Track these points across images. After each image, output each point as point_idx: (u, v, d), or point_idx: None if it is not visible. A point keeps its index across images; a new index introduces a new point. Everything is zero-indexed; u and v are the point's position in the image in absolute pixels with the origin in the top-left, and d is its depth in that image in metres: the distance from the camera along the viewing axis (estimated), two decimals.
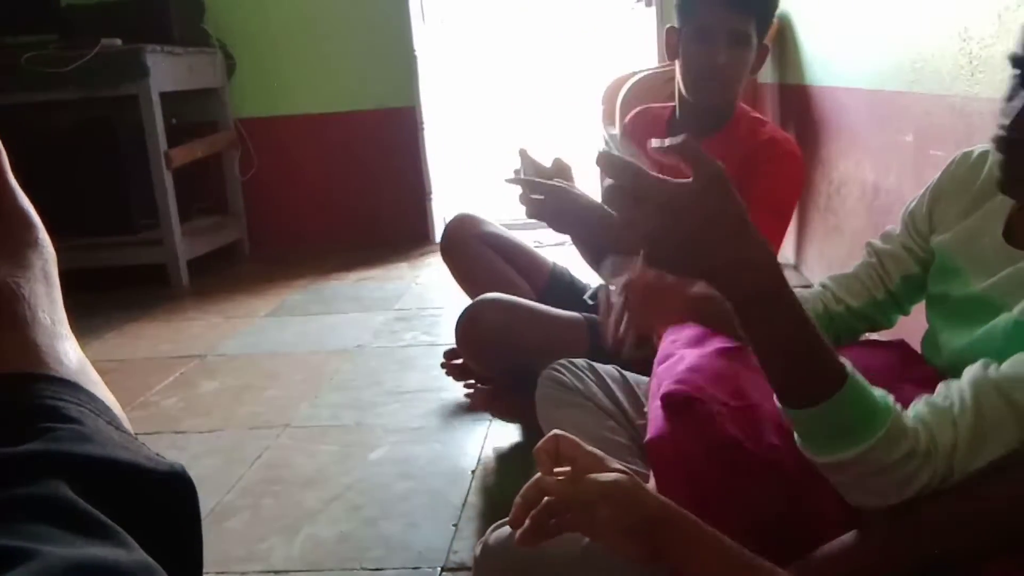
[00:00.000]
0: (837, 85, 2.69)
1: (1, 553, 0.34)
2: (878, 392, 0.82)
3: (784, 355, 0.81)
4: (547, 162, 1.73)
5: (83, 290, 3.34)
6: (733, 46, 1.62)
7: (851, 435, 0.80)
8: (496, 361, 1.89)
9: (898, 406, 0.83)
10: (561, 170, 1.69)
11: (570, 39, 5.28)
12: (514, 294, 2.01)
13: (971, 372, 0.86)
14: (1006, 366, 0.85)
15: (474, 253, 2.10)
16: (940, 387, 0.87)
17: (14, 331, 0.46)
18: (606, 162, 0.74)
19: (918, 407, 0.85)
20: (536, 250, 2.15)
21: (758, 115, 1.80)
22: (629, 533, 0.76)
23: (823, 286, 1.18)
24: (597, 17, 5.39)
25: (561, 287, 2.06)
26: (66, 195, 3.53)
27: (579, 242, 1.83)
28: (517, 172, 1.68)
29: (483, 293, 2.11)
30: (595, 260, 1.81)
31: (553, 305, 2.00)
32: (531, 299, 2.01)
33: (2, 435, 0.40)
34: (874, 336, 1.22)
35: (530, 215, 1.62)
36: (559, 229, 1.70)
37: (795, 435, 0.85)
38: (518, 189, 1.67)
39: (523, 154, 1.69)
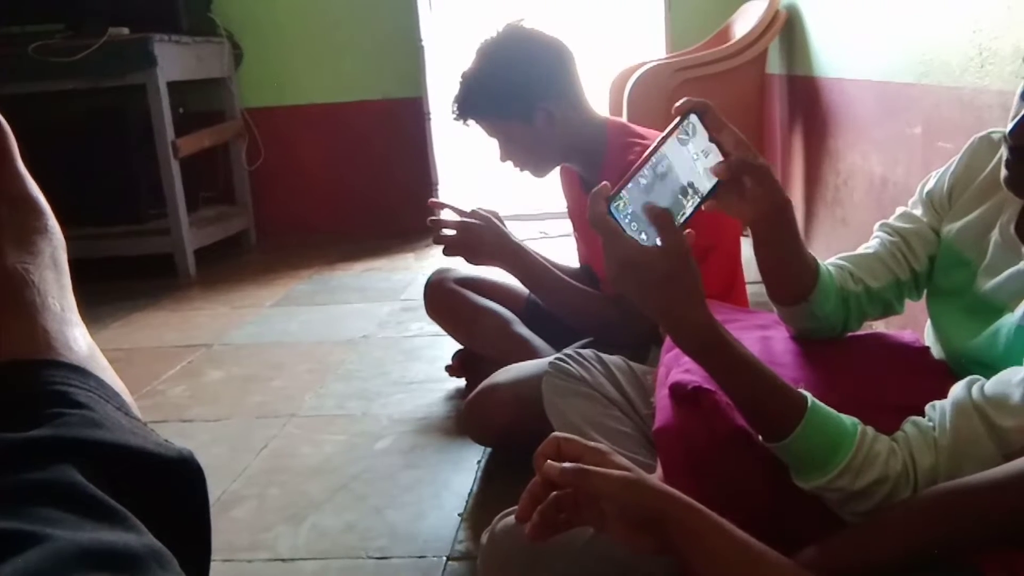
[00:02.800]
0: (845, 77, 2.68)
1: (12, 537, 0.34)
2: (848, 421, 0.88)
3: (737, 398, 0.91)
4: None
5: (90, 279, 3.33)
6: (499, 143, 1.83)
7: (815, 465, 0.87)
8: (507, 446, 1.86)
9: (869, 433, 0.88)
10: (481, 217, 1.84)
11: (577, 29, 5.28)
12: (498, 321, 2.05)
13: (955, 393, 0.89)
14: (990, 386, 0.86)
15: (454, 299, 2.15)
16: (927, 408, 0.91)
17: (23, 317, 0.46)
18: (600, 226, 0.87)
19: (905, 427, 0.90)
20: (511, 284, 2.16)
21: (632, 136, 1.79)
22: (636, 527, 0.76)
23: (838, 266, 1.13)
24: (605, 7, 5.38)
25: (538, 314, 2.08)
26: (73, 184, 3.54)
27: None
28: (434, 222, 1.81)
29: (471, 332, 2.15)
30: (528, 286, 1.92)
31: (532, 329, 2.03)
32: (515, 327, 2.04)
33: (12, 420, 0.41)
34: (876, 324, 1.21)
35: (446, 252, 1.79)
36: (475, 262, 1.84)
37: None
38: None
39: (439, 207, 1.88)
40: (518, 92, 1.73)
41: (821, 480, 0.87)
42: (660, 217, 0.86)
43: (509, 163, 1.85)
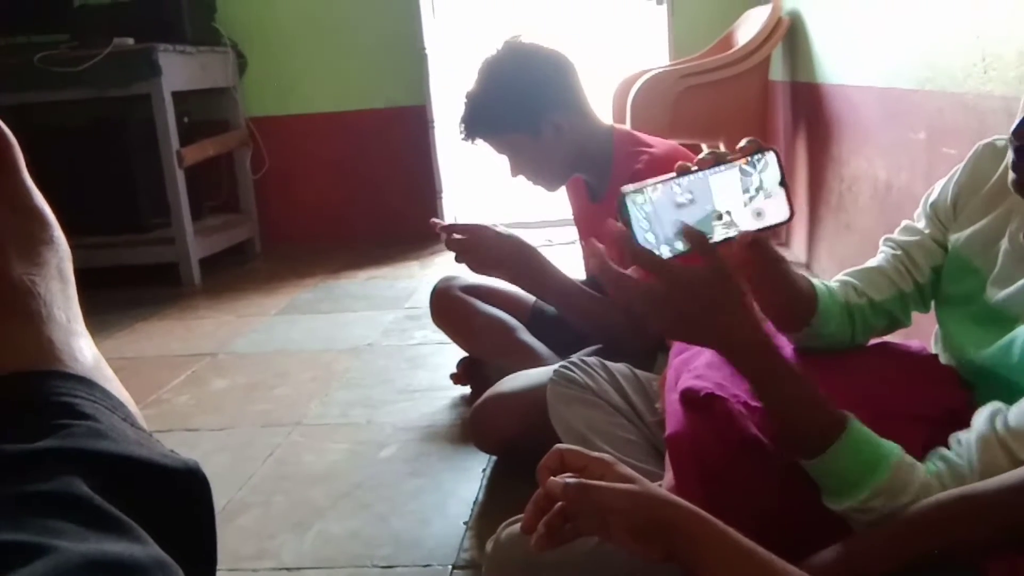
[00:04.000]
0: (849, 83, 2.68)
1: (18, 548, 0.34)
2: (887, 444, 0.87)
3: (780, 410, 0.90)
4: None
5: (95, 289, 3.35)
6: (509, 160, 1.85)
7: (851, 483, 0.86)
8: (512, 454, 1.84)
9: (907, 459, 0.87)
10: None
11: (581, 37, 5.29)
12: (503, 329, 2.05)
13: (979, 425, 0.88)
14: (1013, 417, 0.86)
15: (460, 306, 2.16)
16: (952, 440, 0.90)
17: (29, 328, 0.47)
18: (630, 251, 0.86)
19: (936, 462, 0.89)
20: (516, 292, 2.16)
21: (638, 144, 1.81)
22: (642, 536, 0.76)
23: (842, 281, 1.13)
24: (608, 14, 5.38)
25: (544, 322, 2.08)
26: (78, 194, 3.55)
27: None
28: (445, 228, 1.80)
29: (476, 340, 2.16)
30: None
31: (537, 338, 2.04)
32: (519, 334, 2.04)
33: (18, 431, 0.41)
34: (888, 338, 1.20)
35: (458, 259, 1.78)
36: (482, 271, 1.83)
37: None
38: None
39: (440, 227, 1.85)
40: (523, 107, 1.75)
41: (855, 500, 0.86)
42: (697, 239, 0.85)
43: (520, 178, 1.87)
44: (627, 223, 0.86)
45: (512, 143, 1.81)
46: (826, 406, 0.88)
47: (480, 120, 1.80)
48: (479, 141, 1.83)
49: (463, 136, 1.83)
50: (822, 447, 0.86)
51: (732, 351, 0.89)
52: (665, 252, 0.87)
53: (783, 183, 0.90)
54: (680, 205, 0.88)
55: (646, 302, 0.87)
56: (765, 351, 0.88)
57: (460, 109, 1.83)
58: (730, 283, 0.86)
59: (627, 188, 0.87)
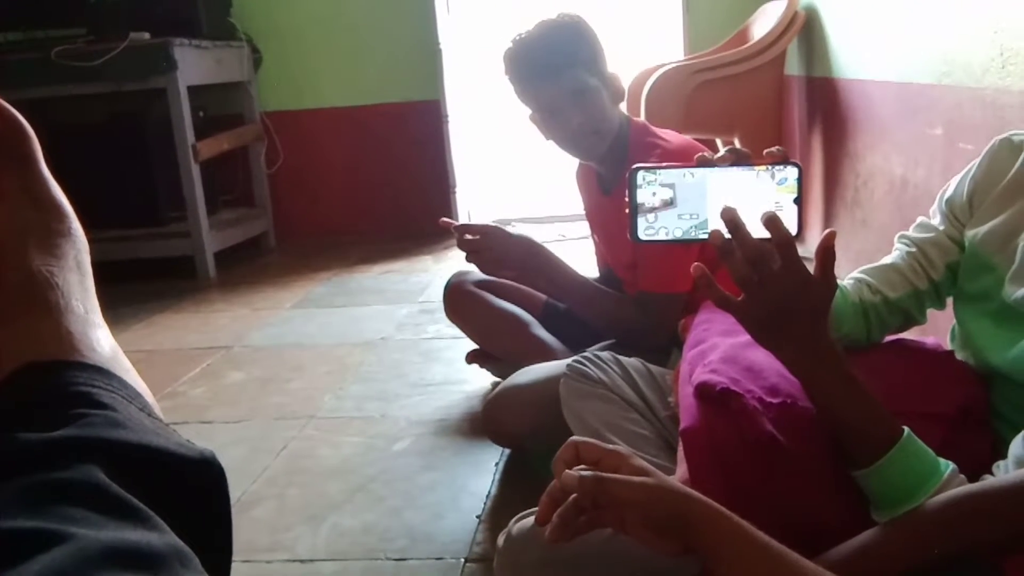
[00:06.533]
0: (865, 78, 2.67)
1: (37, 536, 0.34)
2: (942, 461, 0.88)
3: (844, 419, 0.90)
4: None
5: (111, 282, 3.36)
6: (577, 103, 1.73)
7: (904, 494, 0.86)
8: (525, 447, 1.84)
9: (959, 474, 0.87)
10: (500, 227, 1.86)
11: (596, 31, 5.30)
12: (516, 324, 2.05)
13: (1016, 452, 0.87)
14: None
15: (473, 301, 2.15)
16: (994, 468, 0.89)
17: (48, 319, 0.47)
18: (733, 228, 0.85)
19: None
20: (529, 289, 2.16)
21: (653, 136, 1.79)
22: (657, 529, 0.76)
23: (856, 279, 1.13)
24: (623, 9, 5.37)
25: (556, 317, 2.08)
26: (94, 187, 3.57)
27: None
28: (458, 228, 1.78)
29: (489, 335, 2.16)
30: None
31: (550, 332, 2.03)
32: (532, 329, 2.04)
33: (37, 421, 0.41)
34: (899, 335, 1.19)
35: (469, 259, 1.76)
36: (494, 272, 1.84)
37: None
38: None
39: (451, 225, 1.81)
40: (600, 46, 1.77)
41: (907, 508, 0.86)
42: (781, 235, 0.84)
43: (580, 125, 1.75)
44: (632, 199, 0.88)
45: (593, 83, 1.73)
46: (883, 416, 0.88)
47: (581, 46, 1.72)
48: (553, 83, 1.72)
49: (544, 75, 1.71)
50: (876, 456, 0.87)
51: (811, 356, 0.90)
52: (661, 235, 0.88)
53: (798, 201, 0.89)
54: (686, 196, 0.88)
55: (747, 287, 0.87)
56: (837, 359, 0.89)
57: (544, 42, 1.73)
58: (827, 290, 0.87)
59: (640, 165, 0.88)
